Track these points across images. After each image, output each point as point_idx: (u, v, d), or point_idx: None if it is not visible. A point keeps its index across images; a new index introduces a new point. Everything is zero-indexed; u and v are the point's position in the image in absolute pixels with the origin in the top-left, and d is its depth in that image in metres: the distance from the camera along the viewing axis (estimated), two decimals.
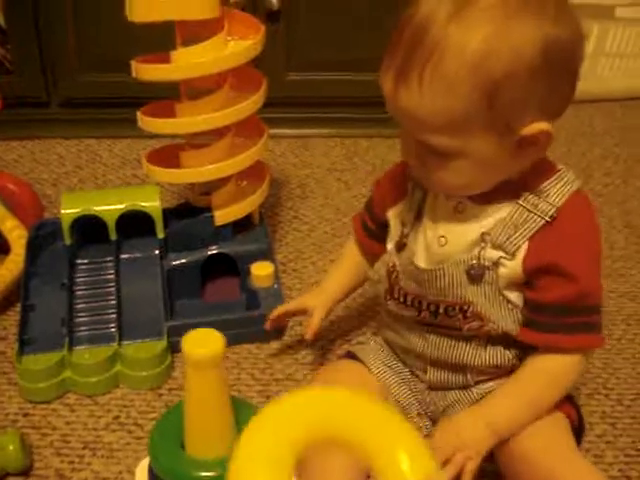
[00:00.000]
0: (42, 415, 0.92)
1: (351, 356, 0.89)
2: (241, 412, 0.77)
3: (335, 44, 1.48)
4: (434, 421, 0.86)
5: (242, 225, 1.11)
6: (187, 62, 1.00)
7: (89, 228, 1.06)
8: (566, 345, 0.74)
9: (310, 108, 1.53)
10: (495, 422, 0.76)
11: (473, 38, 0.64)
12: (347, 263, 0.96)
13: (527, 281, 0.75)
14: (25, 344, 0.96)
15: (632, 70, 1.70)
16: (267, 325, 0.96)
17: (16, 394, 0.94)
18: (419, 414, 0.86)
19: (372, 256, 0.91)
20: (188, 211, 1.10)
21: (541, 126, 0.68)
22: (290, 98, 1.49)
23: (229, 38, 1.03)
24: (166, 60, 1.01)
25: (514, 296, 0.76)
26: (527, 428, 0.77)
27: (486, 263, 0.75)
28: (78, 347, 0.96)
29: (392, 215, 0.85)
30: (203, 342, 0.71)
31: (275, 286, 1.05)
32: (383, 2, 1.41)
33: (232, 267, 1.10)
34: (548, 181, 0.74)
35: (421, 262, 0.80)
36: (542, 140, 0.69)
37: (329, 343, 1.02)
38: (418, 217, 0.81)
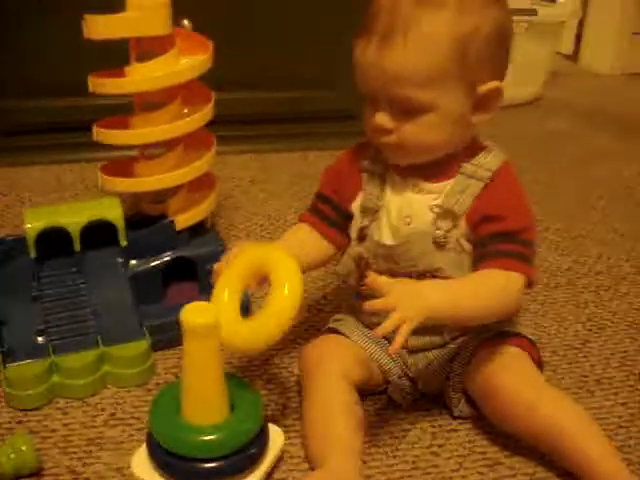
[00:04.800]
0: (37, 421, 0.93)
1: (333, 331, 0.98)
2: (238, 394, 0.86)
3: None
4: (415, 382, 0.96)
5: (195, 231, 1.17)
6: (142, 76, 1.06)
7: (48, 243, 1.08)
8: (501, 267, 0.86)
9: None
10: (444, 307, 0.83)
11: (443, 13, 0.82)
12: (300, 242, 0.98)
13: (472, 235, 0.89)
14: (6, 356, 0.97)
15: None
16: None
17: (4, 405, 0.95)
18: (400, 376, 0.96)
19: (335, 245, 0.99)
20: (143, 220, 1.15)
21: (495, 84, 0.85)
22: None
23: (180, 55, 1.10)
24: (120, 75, 1.07)
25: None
26: (500, 365, 0.88)
27: (444, 231, 0.88)
28: (61, 354, 0.98)
29: (355, 208, 0.95)
30: (200, 313, 0.79)
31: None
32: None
33: (184, 273, 1.16)
34: (482, 153, 0.90)
35: (389, 241, 0.91)
36: (494, 97, 0.86)
37: (296, 329, 1.10)
38: (378, 205, 0.92)
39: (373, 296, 0.91)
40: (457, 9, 0.82)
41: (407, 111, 0.84)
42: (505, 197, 0.88)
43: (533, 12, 1.91)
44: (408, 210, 0.90)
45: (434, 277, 0.89)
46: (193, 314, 0.79)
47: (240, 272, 0.86)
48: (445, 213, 0.88)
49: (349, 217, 0.96)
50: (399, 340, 0.78)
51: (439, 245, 0.89)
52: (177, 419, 0.83)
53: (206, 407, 0.82)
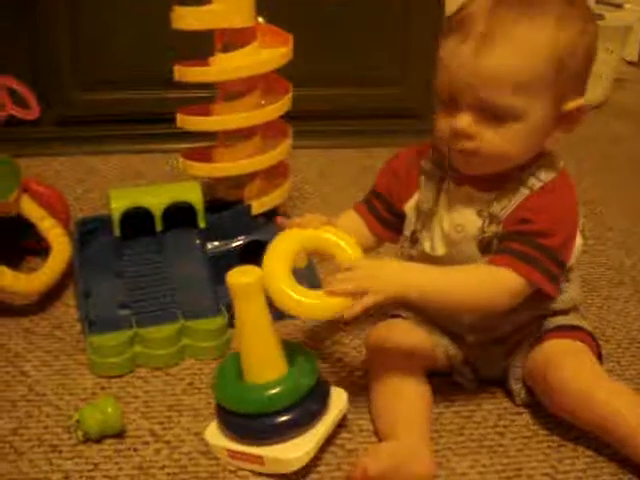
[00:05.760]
0: (119, 387, 0.99)
1: (398, 317, 1.01)
2: (293, 354, 0.89)
3: None
4: (476, 372, 0.99)
5: (269, 217, 1.22)
6: (226, 66, 1.11)
7: (130, 222, 1.13)
8: (501, 264, 0.85)
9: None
10: (416, 286, 0.84)
11: (546, 21, 0.82)
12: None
13: None
14: (91, 325, 1.03)
15: None
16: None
17: (87, 372, 1.01)
18: (463, 363, 0.98)
19: (380, 240, 1.01)
20: (221, 204, 1.20)
21: (581, 101, 0.85)
22: None
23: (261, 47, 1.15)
24: (205, 65, 1.13)
25: None
26: (559, 357, 0.89)
27: (490, 234, 0.89)
28: (143, 326, 1.03)
29: (408, 208, 0.97)
30: (244, 275, 0.84)
31: (310, 265, 1.16)
32: None
33: (256, 257, 1.20)
34: (540, 161, 0.89)
35: (439, 250, 0.93)
36: (577, 115, 0.86)
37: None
38: (432, 210, 0.94)
39: None
40: (559, 18, 0.82)
41: (494, 116, 0.83)
42: (544, 205, 0.87)
43: (601, 17, 1.91)
44: (460, 219, 0.91)
45: None
46: (238, 276, 0.84)
47: (295, 247, 0.88)
48: (491, 218, 0.89)
49: (401, 216, 0.98)
50: (356, 308, 0.81)
51: (484, 250, 0.90)
52: (237, 381, 0.88)
53: (262, 364, 0.86)
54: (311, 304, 0.84)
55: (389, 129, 1.68)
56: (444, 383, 1.00)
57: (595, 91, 1.96)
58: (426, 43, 1.67)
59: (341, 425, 0.91)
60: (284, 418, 0.85)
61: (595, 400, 0.86)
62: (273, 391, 0.85)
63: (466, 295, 0.87)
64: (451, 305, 0.88)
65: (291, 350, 0.90)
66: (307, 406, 0.87)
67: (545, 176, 0.89)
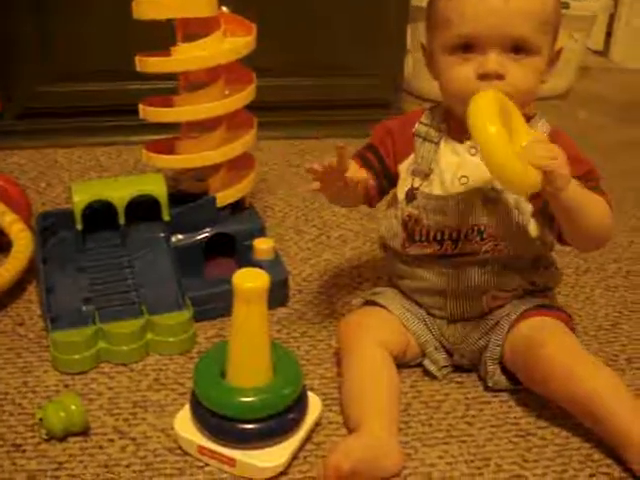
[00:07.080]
0: (83, 384, 0.97)
1: (371, 303, 1.01)
2: (280, 360, 0.88)
3: None
4: (451, 354, 0.99)
5: (235, 209, 1.20)
6: (187, 55, 1.09)
7: (93, 216, 1.11)
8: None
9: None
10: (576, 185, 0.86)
11: None
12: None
13: None
14: (53, 321, 1.01)
15: None
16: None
17: (51, 369, 0.99)
18: (436, 348, 0.99)
19: (365, 194, 1.00)
20: (185, 197, 1.18)
21: (561, 44, 0.92)
22: None
23: (224, 36, 1.13)
24: (167, 55, 1.10)
25: (527, 210, 0.92)
26: (540, 334, 0.91)
27: (498, 187, 0.91)
28: (107, 322, 1.02)
29: (402, 169, 0.98)
30: (251, 278, 0.82)
31: (277, 257, 1.15)
32: None
33: (222, 249, 1.19)
34: (533, 119, 0.94)
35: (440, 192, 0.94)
36: (557, 57, 0.93)
37: (332, 305, 1.14)
38: (430, 169, 0.95)
39: (417, 259, 0.96)
40: None
41: (517, 54, 0.88)
42: (563, 146, 0.87)
43: (566, 5, 1.92)
44: (465, 170, 0.93)
45: (480, 232, 0.93)
46: (244, 279, 0.82)
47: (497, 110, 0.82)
48: None
49: (389, 175, 0.99)
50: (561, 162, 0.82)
51: (490, 202, 0.92)
52: (220, 381, 0.86)
53: (251, 370, 0.85)
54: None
55: (359, 119, 1.65)
56: (412, 374, 1.00)
57: (561, 79, 1.97)
58: (396, 34, 1.68)
59: None
60: (264, 425, 0.85)
61: (574, 377, 0.87)
62: (257, 398, 0.85)
63: (599, 213, 0.91)
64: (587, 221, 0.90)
65: (278, 355, 0.89)
66: (287, 415, 0.86)
67: (545, 128, 0.95)
